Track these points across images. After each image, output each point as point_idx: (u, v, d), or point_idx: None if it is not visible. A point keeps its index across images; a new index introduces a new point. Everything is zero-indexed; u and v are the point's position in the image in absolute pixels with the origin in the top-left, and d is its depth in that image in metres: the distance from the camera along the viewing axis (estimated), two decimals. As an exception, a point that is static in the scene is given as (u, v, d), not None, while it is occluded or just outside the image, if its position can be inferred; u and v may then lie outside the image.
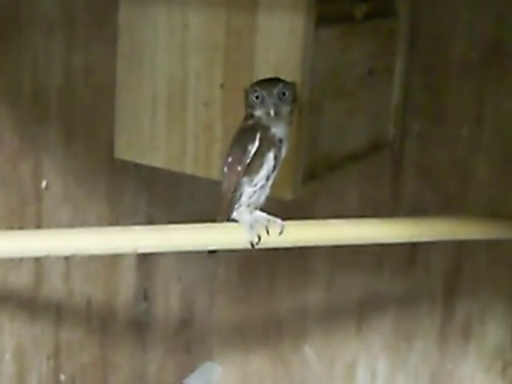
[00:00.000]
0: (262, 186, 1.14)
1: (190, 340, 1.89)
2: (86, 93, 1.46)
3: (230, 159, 1.14)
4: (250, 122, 1.14)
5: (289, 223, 1.15)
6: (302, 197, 1.38)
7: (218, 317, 1.95)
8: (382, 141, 1.62)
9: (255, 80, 1.19)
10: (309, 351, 1.87)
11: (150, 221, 1.65)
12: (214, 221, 1.17)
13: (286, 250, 1.21)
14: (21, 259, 1.38)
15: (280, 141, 1.13)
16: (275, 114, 1.12)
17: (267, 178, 1.13)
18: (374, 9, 1.49)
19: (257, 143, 1.12)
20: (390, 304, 1.77)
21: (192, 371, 1.92)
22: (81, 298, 1.54)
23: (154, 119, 1.45)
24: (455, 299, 1.70)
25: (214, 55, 1.37)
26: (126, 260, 1.64)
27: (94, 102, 1.47)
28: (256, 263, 1.89)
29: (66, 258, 1.48)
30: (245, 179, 1.13)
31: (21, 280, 1.41)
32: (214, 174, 1.39)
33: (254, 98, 1.13)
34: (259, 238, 1.13)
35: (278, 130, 1.13)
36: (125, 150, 1.50)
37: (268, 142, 1.12)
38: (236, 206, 1.15)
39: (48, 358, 1.49)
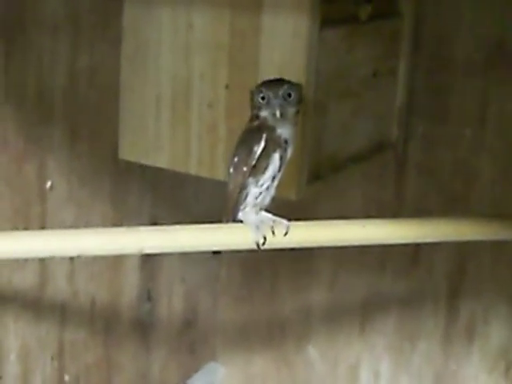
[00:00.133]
0: (268, 187, 1.14)
1: (193, 341, 1.90)
2: (91, 93, 1.46)
3: (235, 160, 1.14)
4: (256, 122, 1.14)
5: (294, 224, 1.15)
6: (306, 197, 1.38)
7: (221, 317, 1.95)
8: (386, 141, 1.62)
9: (260, 81, 1.19)
10: (312, 352, 1.87)
11: (154, 221, 1.65)
12: (218, 221, 1.17)
13: (289, 250, 1.21)
14: (25, 260, 1.38)
15: (286, 142, 1.13)
16: (281, 115, 1.12)
17: (273, 179, 1.13)
18: (378, 10, 1.49)
19: (262, 144, 1.12)
20: (394, 305, 1.77)
21: (195, 372, 1.92)
22: (85, 299, 1.54)
23: (158, 120, 1.45)
24: (459, 300, 1.70)
25: (219, 56, 1.37)
26: (130, 261, 1.64)
27: (99, 102, 1.47)
28: (259, 264, 1.89)
29: (71, 259, 1.48)
30: (250, 180, 1.13)
31: (25, 281, 1.41)
32: (219, 175, 1.39)
33: (260, 99, 1.14)
34: (265, 239, 1.13)
35: (284, 131, 1.13)
36: (129, 151, 1.50)
37: (274, 143, 1.12)
38: (242, 207, 1.15)
39: (52, 359, 1.49)
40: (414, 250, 1.71)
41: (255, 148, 1.12)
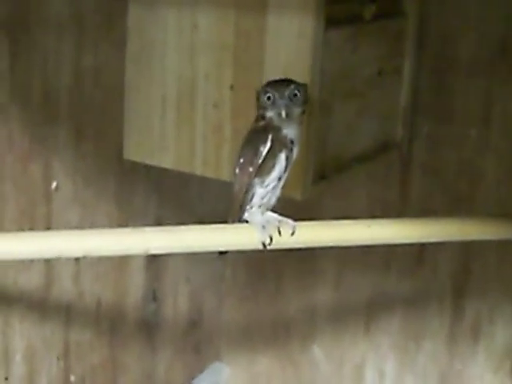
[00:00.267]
0: (274, 187, 1.14)
1: (198, 341, 1.90)
2: (96, 94, 1.46)
3: (241, 160, 1.14)
4: (262, 123, 1.14)
5: (300, 224, 1.15)
6: (311, 197, 1.38)
7: (226, 317, 1.95)
8: (391, 141, 1.62)
9: (264, 81, 1.19)
10: (317, 352, 1.87)
11: (159, 222, 1.65)
12: (223, 222, 1.17)
13: (294, 250, 1.21)
14: (31, 261, 1.38)
15: (291, 142, 1.13)
16: (287, 115, 1.12)
17: (279, 179, 1.13)
18: (383, 9, 1.49)
19: (268, 144, 1.12)
20: (399, 304, 1.77)
21: (200, 372, 1.92)
22: (91, 299, 1.54)
23: (163, 120, 1.45)
24: (464, 299, 1.69)
25: (224, 56, 1.37)
26: (135, 261, 1.64)
27: (104, 102, 1.47)
28: (264, 264, 1.89)
29: (76, 260, 1.48)
30: (256, 180, 1.13)
31: (31, 281, 1.41)
32: (224, 175, 1.39)
33: (266, 99, 1.13)
34: (271, 239, 1.13)
35: (290, 131, 1.13)
36: (134, 151, 1.50)
37: (279, 143, 1.12)
38: (248, 207, 1.15)
39: (58, 359, 1.49)
40: (419, 250, 1.71)
41: (261, 148, 1.12)
